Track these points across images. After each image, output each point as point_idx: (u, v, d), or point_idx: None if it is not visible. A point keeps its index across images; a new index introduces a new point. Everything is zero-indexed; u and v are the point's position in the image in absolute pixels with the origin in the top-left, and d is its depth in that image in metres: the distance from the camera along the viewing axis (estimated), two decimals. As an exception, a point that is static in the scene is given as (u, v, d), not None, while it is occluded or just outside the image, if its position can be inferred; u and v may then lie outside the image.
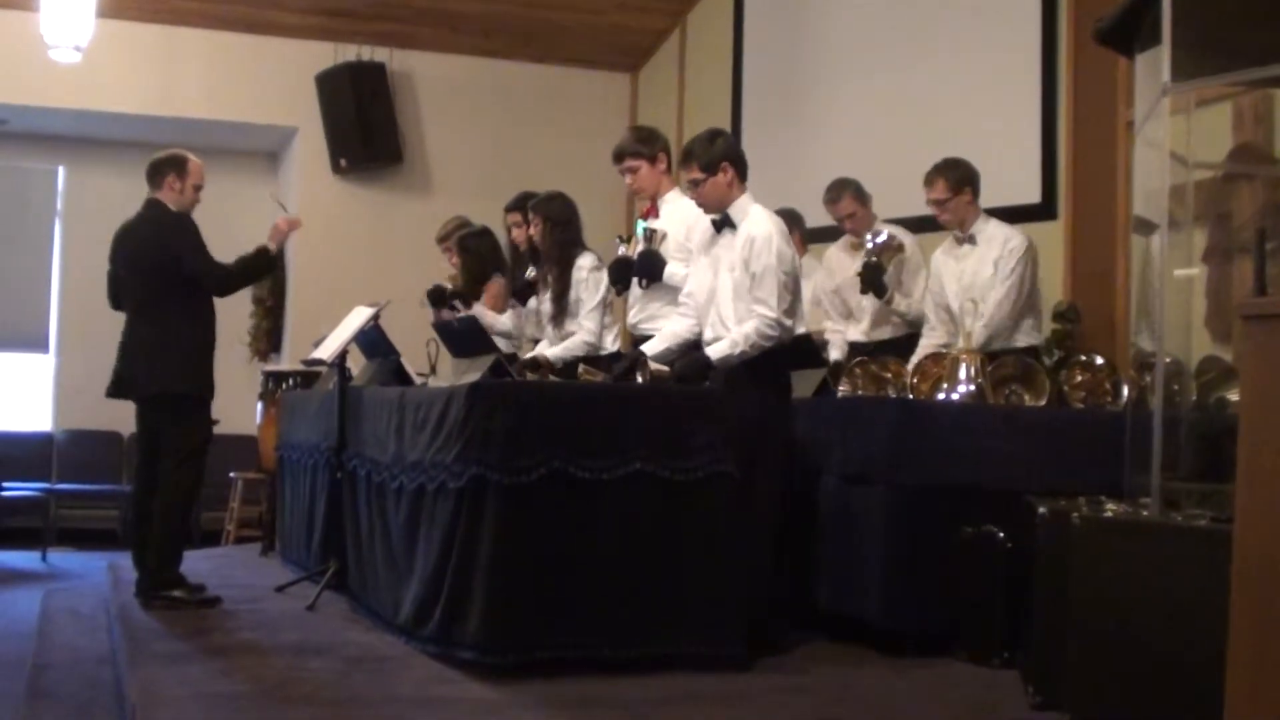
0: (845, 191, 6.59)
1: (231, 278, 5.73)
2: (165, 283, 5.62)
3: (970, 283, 5.79)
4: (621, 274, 5.63)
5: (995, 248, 5.77)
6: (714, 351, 4.77)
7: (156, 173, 5.74)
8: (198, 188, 5.76)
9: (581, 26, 9.90)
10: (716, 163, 4.82)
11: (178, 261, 5.60)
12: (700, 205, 4.96)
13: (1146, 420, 3.90)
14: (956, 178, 5.81)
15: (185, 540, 5.72)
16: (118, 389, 5.73)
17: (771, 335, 4.71)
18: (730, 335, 4.77)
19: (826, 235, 7.15)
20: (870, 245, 6.21)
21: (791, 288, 4.77)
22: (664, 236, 4.97)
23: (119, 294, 5.88)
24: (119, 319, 5.83)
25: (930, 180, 5.86)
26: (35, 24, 8.32)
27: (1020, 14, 7.11)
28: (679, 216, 5.45)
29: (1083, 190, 6.71)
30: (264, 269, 6.00)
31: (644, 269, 5.42)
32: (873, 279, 6.19)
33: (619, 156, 5.57)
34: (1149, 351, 4.19)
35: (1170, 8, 3.72)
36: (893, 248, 6.21)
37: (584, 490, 4.32)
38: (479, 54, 10.12)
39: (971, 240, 5.85)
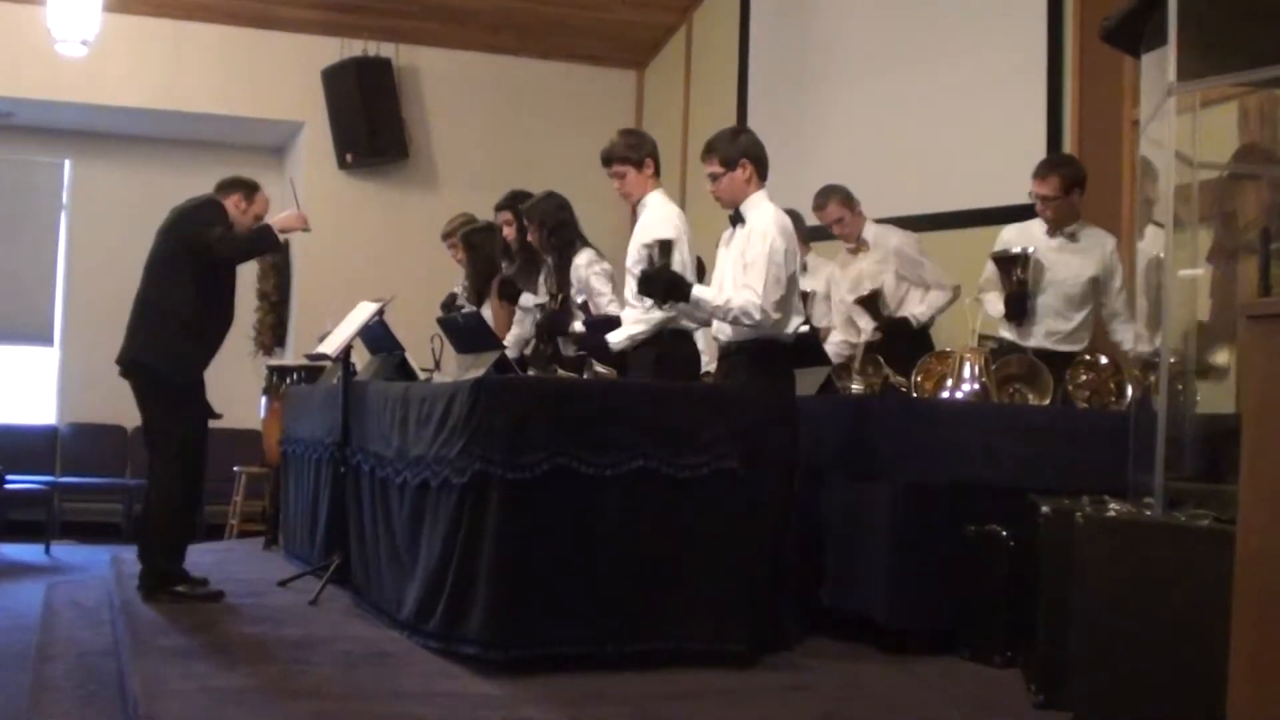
0: (831, 198, 6.62)
1: (228, 242, 5.59)
2: (173, 249, 5.58)
3: (1074, 284, 5.73)
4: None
5: (1107, 253, 5.71)
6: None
7: (228, 185, 5.80)
8: (258, 217, 5.79)
9: (588, 23, 9.90)
10: (737, 158, 4.85)
11: (189, 231, 5.57)
12: (717, 199, 4.98)
13: (1150, 420, 3.90)
14: (1071, 177, 5.70)
15: (188, 535, 5.69)
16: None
17: (753, 317, 4.67)
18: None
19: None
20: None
21: (784, 284, 4.72)
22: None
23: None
24: (124, 312, 5.78)
25: (1043, 174, 5.72)
26: (42, 17, 8.35)
27: (1026, 13, 7.10)
28: (659, 216, 5.44)
29: (1088, 189, 6.69)
30: (266, 245, 5.85)
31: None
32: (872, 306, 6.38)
33: (607, 161, 5.54)
34: (1153, 351, 4.19)
35: (1176, 7, 3.72)
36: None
37: (588, 486, 4.33)
38: (485, 49, 10.11)
39: (1073, 238, 5.75)
